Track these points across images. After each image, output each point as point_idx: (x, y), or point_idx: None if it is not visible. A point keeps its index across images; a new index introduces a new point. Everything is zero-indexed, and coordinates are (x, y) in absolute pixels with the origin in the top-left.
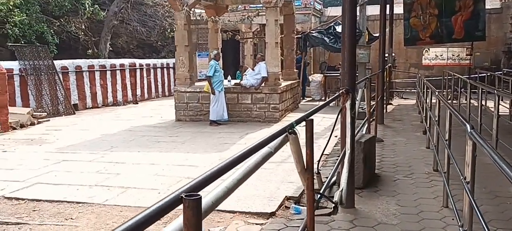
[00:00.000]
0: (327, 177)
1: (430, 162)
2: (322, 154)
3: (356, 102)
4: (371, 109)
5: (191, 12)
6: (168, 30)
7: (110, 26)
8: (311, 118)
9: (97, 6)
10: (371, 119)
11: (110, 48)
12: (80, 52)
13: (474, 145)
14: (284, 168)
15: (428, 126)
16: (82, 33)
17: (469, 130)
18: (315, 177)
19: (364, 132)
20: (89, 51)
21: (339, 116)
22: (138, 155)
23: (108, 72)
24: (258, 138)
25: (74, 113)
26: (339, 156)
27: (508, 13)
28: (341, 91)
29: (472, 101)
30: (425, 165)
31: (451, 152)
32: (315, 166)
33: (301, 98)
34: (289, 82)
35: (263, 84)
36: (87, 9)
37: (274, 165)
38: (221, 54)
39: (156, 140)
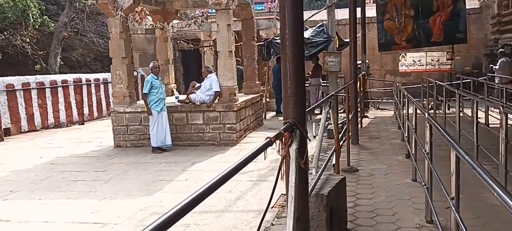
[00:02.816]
0: None
1: (421, 205)
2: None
3: (309, 140)
4: (341, 129)
5: (133, 18)
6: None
7: (60, 38)
8: None
9: (46, 17)
10: (339, 145)
11: (62, 62)
12: (30, 67)
13: None
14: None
15: (412, 149)
16: (29, 46)
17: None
18: None
19: (333, 161)
20: (37, 66)
21: (283, 168)
22: (35, 206)
23: (48, 90)
24: (205, 170)
25: (3, 139)
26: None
27: (487, 13)
28: (282, 128)
29: (452, 109)
30: (414, 211)
31: (454, 205)
32: None
33: (277, 114)
34: (250, 96)
35: (216, 101)
36: (32, 20)
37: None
38: (160, 66)
39: (74, 178)
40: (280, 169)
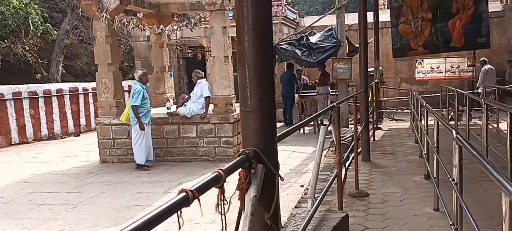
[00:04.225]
0: None
1: None
2: None
3: (281, 176)
4: (349, 146)
5: (119, 21)
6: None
7: (61, 46)
8: None
9: (49, 24)
10: (341, 168)
11: (65, 71)
12: (34, 76)
13: None
14: None
15: (433, 170)
16: (30, 55)
17: None
18: None
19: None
20: (38, 75)
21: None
22: None
23: (41, 100)
24: None
25: None
26: None
27: (511, 16)
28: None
29: (474, 121)
30: None
31: None
32: None
33: (285, 125)
34: None
35: (210, 111)
36: (32, 27)
37: None
38: (148, 76)
39: (41, 201)
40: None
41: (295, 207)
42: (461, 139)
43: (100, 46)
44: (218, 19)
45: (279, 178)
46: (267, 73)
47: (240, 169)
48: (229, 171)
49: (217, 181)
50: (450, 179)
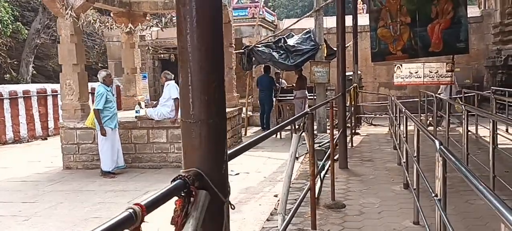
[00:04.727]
0: None
1: None
2: None
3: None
4: (324, 155)
5: (85, 19)
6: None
7: (32, 45)
8: None
9: (20, 23)
10: (315, 181)
11: (35, 72)
12: (2, 76)
13: None
14: None
15: (413, 181)
16: None
17: None
18: None
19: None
20: (7, 75)
21: None
22: None
23: (6, 102)
24: None
25: None
26: None
27: (489, 21)
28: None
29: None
30: None
31: None
32: None
33: (262, 129)
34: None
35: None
36: (0, 26)
37: None
38: (113, 77)
39: None
40: None
41: (267, 219)
42: (445, 151)
43: (65, 46)
44: None
45: (230, 206)
46: (216, 75)
47: (176, 199)
48: (152, 206)
49: (130, 222)
50: (433, 195)
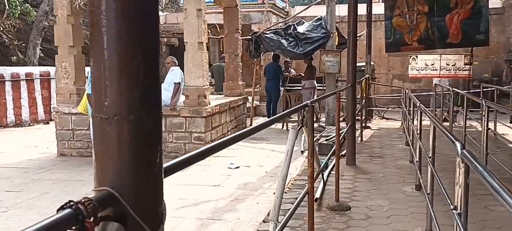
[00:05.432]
0: None
1: None
2: None
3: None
4: (330, 152)
5: None
6: None
7: (40, 27)
8: None
9: (28, 5)
10: (328, 172)
11: (42, 54)
12: (10, 59)
13: None
14: None
15: (427, 183)
16: (6, 36)
17: None
18: None
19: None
20: (14, 57)
21: None
22: None
23: (8, 84)
24: None
25: None
26: None
27: (511, 13)
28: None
29: (474, 124)
30: None
31: None
32: None
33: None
34: (229, 99)
35: (181, 103)
36: (8, 7)
37: None
38: None
39: None
40: None
41: (263, 221)
42: (469, 156)
43: (61, 26)
44: (193, 0)
45: None
46: (141, 47)
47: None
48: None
49: None
50: (452, 207)
